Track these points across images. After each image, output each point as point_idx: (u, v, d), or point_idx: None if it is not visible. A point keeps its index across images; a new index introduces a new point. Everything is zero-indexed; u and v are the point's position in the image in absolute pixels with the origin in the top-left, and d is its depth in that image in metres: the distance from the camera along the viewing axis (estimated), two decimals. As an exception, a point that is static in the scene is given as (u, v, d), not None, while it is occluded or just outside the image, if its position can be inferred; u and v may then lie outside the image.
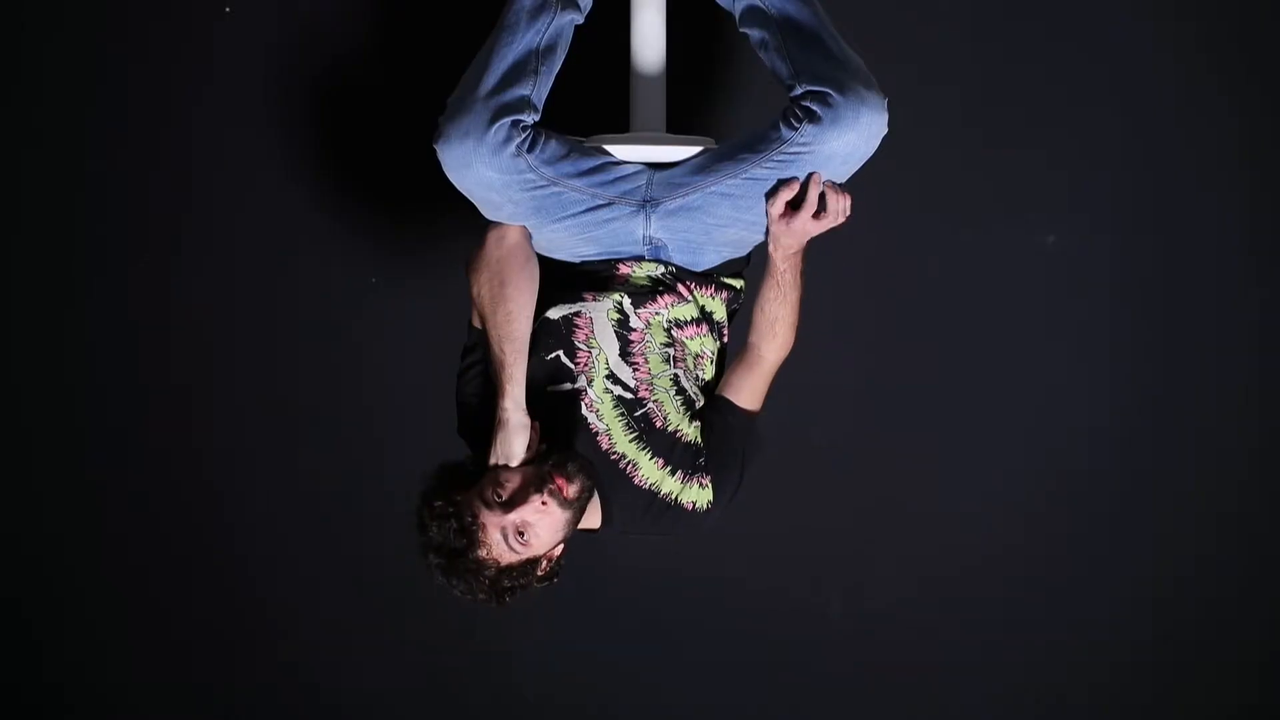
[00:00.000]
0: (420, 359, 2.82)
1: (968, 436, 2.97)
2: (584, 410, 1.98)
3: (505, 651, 3.04)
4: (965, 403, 2.95)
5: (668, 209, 2.02)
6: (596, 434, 1.97)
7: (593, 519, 1.98)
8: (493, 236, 2.01)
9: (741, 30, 2.05)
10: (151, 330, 2.87)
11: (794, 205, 1.95)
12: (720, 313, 2.11)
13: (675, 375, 2.04)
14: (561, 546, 1.94)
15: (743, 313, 2.15)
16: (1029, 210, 2.87)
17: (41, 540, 2.97)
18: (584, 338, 2.00)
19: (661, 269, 2.06)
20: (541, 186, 1.96)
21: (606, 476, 1.96)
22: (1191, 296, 2.90)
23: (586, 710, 3.12)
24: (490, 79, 1.92)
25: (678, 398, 2.02)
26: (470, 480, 1.91)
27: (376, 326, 2.88)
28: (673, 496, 1.99)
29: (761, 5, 1.99)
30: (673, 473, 1.99)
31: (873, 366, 2.94)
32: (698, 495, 2.01)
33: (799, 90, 1.91)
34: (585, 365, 1.99)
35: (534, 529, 1.85)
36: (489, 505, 1.85)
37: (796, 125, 1.90)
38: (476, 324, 2.02)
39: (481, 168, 1.90)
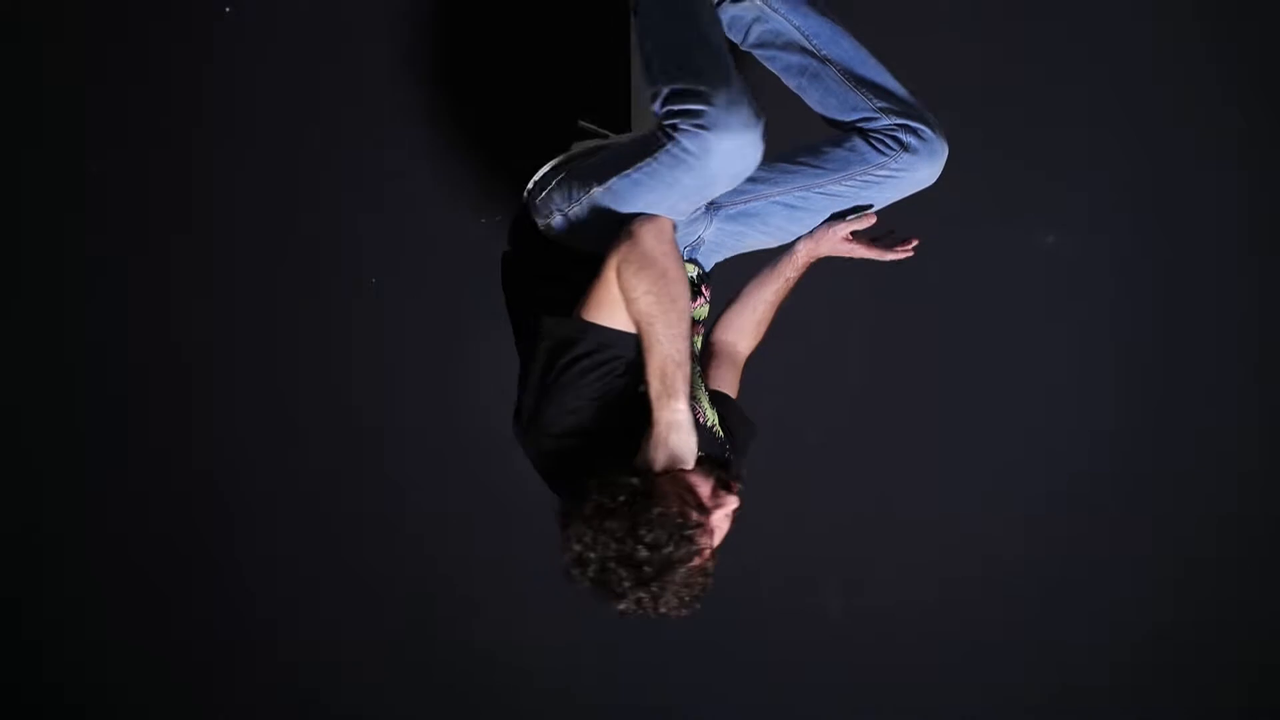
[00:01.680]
0: (420, 359, 2.82)
1: (968, 436, 2.97)
2: None
3: (503, 652, 3.04)
4: (965, 403, 2.95)
5: (729, 213, 2.04)
6: None
7: None
8: (650, 231, 1.79)
9: (765, 53, 2.03)
10: (151, 330, 2.87)
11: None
12: (703, 313, 2.11)
13: (698, 370, 2.03)
14: None
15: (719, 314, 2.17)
16: (1029, 210, 2.87)
17: (41, 540, 2.97)
18: None
19: (695, 270, 2.06)
20: None
21: None
22: (1191, 296, 2.90)
23: (586, 709, 3.12)
24: (731, 68, 1.75)
25: (705, 394, 2.02)
26: (628, 489, 1.72)
27: (376, 326, 2.88)
28: None
29: (801, 40, 1.99)
30: None
31: (872, 366, 2.94)
32: None
33: (886, 121, 1.96)
34: None
35: (717, 532, 1.80)
36: (699, 510, 1.75)
37: (889, 152, 1.96)
38: (605, 322, 1.79)
39: (754, 157, 1.73)
